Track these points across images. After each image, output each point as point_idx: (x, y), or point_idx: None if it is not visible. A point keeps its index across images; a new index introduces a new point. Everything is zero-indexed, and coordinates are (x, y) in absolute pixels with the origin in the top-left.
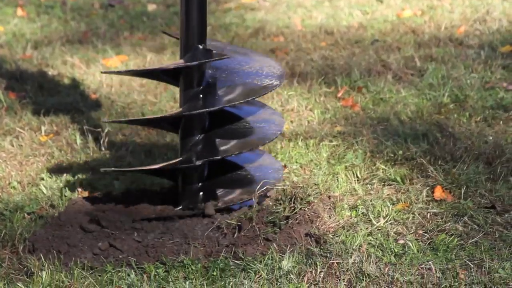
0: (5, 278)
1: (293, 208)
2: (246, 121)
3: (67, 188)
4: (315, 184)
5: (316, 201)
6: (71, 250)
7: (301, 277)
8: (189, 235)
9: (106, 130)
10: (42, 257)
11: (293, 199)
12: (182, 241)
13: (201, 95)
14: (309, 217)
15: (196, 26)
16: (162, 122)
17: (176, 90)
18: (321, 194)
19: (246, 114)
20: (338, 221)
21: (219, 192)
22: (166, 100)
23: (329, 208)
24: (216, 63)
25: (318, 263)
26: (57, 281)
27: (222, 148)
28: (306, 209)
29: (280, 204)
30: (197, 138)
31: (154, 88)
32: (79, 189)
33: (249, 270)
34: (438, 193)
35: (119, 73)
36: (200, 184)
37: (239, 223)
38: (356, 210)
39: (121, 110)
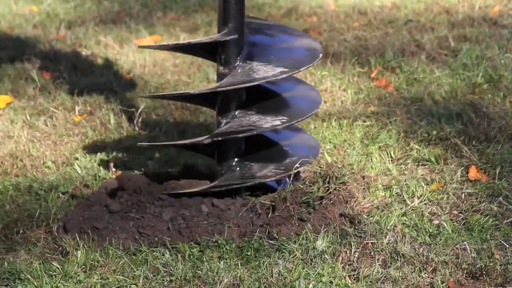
0: (41, 257)
1: (327, 188)
2: (283, 97)
3: (101, 168)
4: (350, 164)
5: (350, 181)
6: (103, 231)
7: (335, 257)
8: (223, 215)
9: (140, 110)
10: (77, 236)
11: (327, 179)
12: (216, 221)
13: (238, 71)
14: (343, 198)
15: (234, 2)
16: (200, 98)
17: (209, 70)
18: (355, 174)
19: (283, 90)
20: (372, 201)
21: (255, 167)
22: (200, 80)
23: (363, 188)
24: (254, 39)
25: (352, 243)
26: (92, 261)
27: (259, 123)
28: (340, 189)
29: (315, 184)
30: (234, 113)
31: (187, 69)
32: (113, 169)
33: (283, 250)
34: (473, 173)
35: (157, 47)
36: (236, 159)
37: (273, 203)
38: (390, 191)
39: (154, 91)
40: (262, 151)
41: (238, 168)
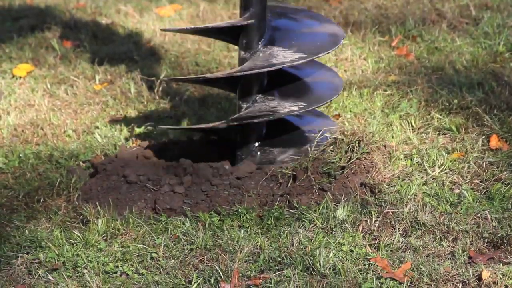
0: (61, 225)
1: (349, 158)
2: (304, 81)
3: (121, 137)
4: (371, 133)
5: (372, 150)
6: (122, 201)
7: (356, 226)
8: (243, 185)
9: (160, 79)
10: (98, 205)
11: (349, 148)
12: (237, 191)
13: (260, 55)
14: (364, 167)
15: None
16: (219, 82)
17: None
18: (377, 143)
19: (305, 75)
20: (393, 170)
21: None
22: (220, 49)
23: (385, 157)
24: (278, 23)
25: (373, 213)
26: (112, 229)
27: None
28: (362, 158)
29: (336, 154)
30: (254, 98)
31: (208, 37)
32: (133, 138)
33: (303, 219)
34: (494, 142)
35: (178, 30)
36: (257, 144)
37: (294, 173)
38: (411, 160)
39: (174, 60)
40: (283, 136)
41: (258, 153)
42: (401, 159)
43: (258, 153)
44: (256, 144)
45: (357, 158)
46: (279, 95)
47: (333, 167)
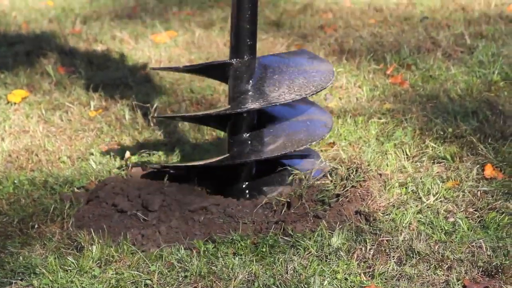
0: (56, 252)
1: (344, 186)
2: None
3: (116, 163)
4: (367, 162)
5: (367, 179)
6: (115, 228)
7: (350, 254)
8: (237, 214)
9: (155, 106)
10: (92, 232)
11: (345, 176)
12: (231, 219)
13: (250, 93)
14: (359, 195)
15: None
16: (211, 118)
17: None
18: (372, 172)
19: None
20: (388, 199)
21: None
22: None
23: (380, 186)
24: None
25: (367, 240)
26: (107, 256)
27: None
28: (357, 186)
29: (331, 181)
30: (245, 136)
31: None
32: (128, 164)
33: (298, 247)
34: (489, 171)
35: (168, 69)
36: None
37: (289, 200)
38: (406, 188)
39: (169, 86)
40: (274, 127)
41: (249, 142)
42: (396, 187)
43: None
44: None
45: (352, 186)
46: (270, 133)
47: (328, 195)
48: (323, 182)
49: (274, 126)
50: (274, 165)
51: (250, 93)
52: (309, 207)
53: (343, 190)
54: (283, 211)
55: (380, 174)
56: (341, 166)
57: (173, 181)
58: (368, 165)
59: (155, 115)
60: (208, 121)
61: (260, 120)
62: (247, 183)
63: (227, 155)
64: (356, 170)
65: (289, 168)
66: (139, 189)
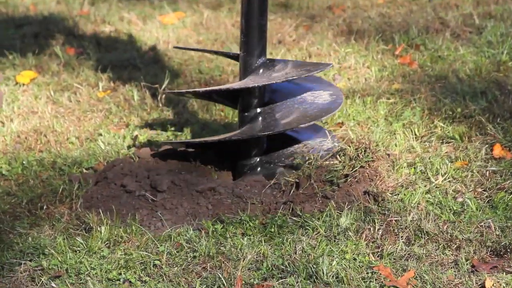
0: (64, 232)
1: (352, 166)
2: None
3: (124, 144)
4: (376, 142)
5: (376, 159)
6: (123, 209)
7: (359, 234)
8: (246, 194)
9: (163, 87)
10: (101, 212)
11: (353, 157)
12: (239, 200)
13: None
14: (368, 175)
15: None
16: (222, 94)
17: (232, 47)
18: (381, 152)
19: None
20: (397, 179)
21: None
22: (223, 56)
23: (388, 166)
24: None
25: (376, 221)
26: (115, 236)
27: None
28: (366, 166)
29: (340, 162)
30: (256, 111)
31: (211, 45)
32: (137, 144)
33: (306, 227)
34: (497, 151)
35: (179, 93)
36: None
37: (297, 181)
38: (414, 168)
39: (178, 67)
40: (286, 103)
41: (260, 118)
42: (404, 167)
43: (260, 118)
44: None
45: (361, 166)
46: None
47: (337, 175)
48: (332, 162)
49: (286, 102)
50: (285, 141)
51: (260, 71)
52: (317, 187)
53: (351, 170)
54: (292, 191)
55: (389, 154)
56: (350, 146)
57: (182, 161)
58: (377, 145)
59: (166, 90)
60: (219, 98)
61: (271, 96)
62: (258, 159)
63: (239, 130)
64: (365, 150)
65: (300, 144)
66: (147, 169)
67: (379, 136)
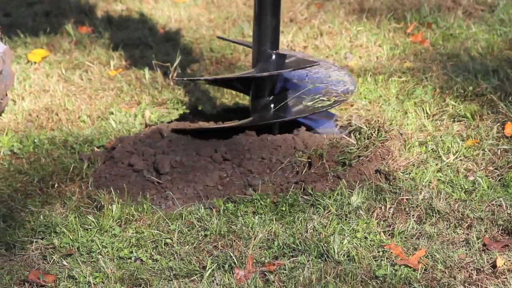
0: (76, 211)
1: (366, 145)
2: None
3: (135, 122)
4: (389, 121)
5: (389, 138)
6: (132, 188)
7: (370, 213)
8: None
9: (175, 65)
10: (112, 191)
11: (366, 137)
12: (251, 178)
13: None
14: (380, 154)
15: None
16: (234, 82)
17: (244, 25)
18: (393, 131)
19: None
20: (408, 158)
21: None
22: (235, 35)
23: (401, 145)
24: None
25: (387, 199)
26: (127, 215)
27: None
28: (379, 145)
29: (354, 141)
30: (268, 99)
31: (222, 23)
32: (148, 122)
33: (318, 206)
34: (509, 129)
35: (195, 80)
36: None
37: (309, 160)
38: (425, 147)
39: (189, 46)
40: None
41: (272, 105)
42: (416, 146)
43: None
44: (271, 97)
45: (374, 146)
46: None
47: (349, 158)
48: (345, 141)
49: (298, 90)
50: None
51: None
52: (329, 167)
53: (365, 150)
54: (304, 171)
55: (401, 133)
56: (363, 126)
57: (193, 136)
58: (390, 124)
59: (175, 77)
60: (231, 84)
61: (284, 84)
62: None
63: (251, 118)
64: (378, 130)
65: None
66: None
67: (391, 114)
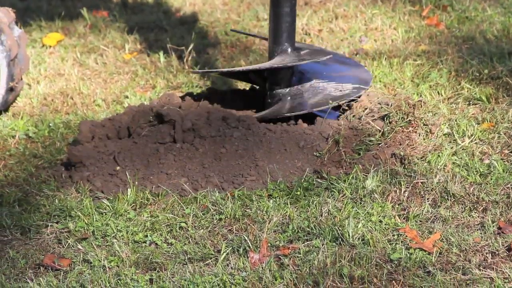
0: (91, 195)
1: (388, 130)
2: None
3: None
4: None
5: (415, 125)
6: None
7: (385, 196)
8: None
9: (189, 49)
10: (127, 174)
11: (389, 122)
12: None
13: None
14: (399, 141)
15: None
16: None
17: (259, 9)
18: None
19: None
20: (422, 142)
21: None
22: (249, 18)
23: (424, 132)
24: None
25: (402, 183)
26: (142, 199)
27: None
28: (399, 131)
29: (386, 124)
30: (284, 91)
31: (237, 7)
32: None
33: (333, 189)
34: None
35: (210, 72)
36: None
37: (328, 148)
38: (441, 130)
39: (204, 29)
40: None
41: (288, 98)
42: (439, 136)
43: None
44: (286, 90)
45: (395, 131)
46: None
47: (365, 148)
48: (366, 126)
49: (314, 82)
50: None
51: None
52: (345, 154)
53: (383, 137)
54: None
55: (427, 124)
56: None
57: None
58: (421, 106)
59: (191, 68)
60: (248, 76)
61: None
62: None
63: (267, 110)
64: (407, 115)
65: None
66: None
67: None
